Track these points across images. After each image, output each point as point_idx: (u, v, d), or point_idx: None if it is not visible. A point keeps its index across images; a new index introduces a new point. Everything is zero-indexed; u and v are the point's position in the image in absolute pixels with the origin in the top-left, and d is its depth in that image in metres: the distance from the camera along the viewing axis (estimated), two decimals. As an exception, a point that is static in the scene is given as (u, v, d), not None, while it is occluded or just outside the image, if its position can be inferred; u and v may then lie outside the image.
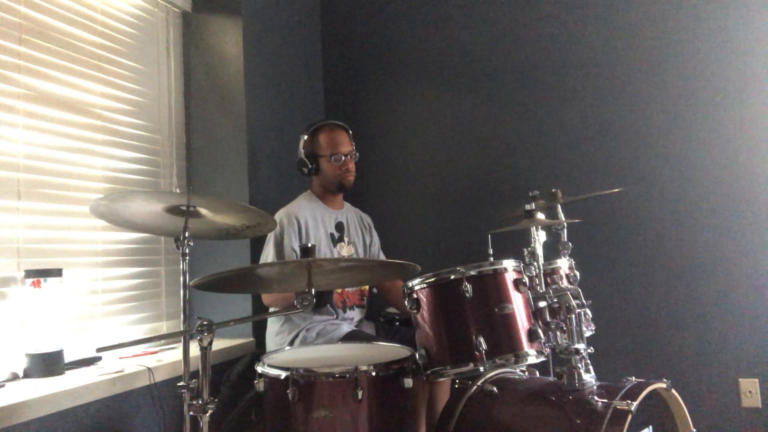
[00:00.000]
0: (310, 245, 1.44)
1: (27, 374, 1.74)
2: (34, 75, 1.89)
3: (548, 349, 1.72)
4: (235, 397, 2.14)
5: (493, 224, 2.04)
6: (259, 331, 2.43)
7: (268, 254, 2.22)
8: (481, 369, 1.63)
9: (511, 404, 1.70)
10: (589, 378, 1.63)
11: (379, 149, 2.48)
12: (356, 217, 2.54)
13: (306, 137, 2.37)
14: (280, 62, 2.92)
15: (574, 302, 1.66)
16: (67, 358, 1.83)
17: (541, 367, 1.86)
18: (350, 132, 2.41)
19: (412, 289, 1.74)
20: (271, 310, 2.26)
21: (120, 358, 2.02)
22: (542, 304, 1.74)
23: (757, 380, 2.57)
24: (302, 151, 2.37)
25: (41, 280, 1.75)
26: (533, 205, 1.91)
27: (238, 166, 2.55)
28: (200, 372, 1.38)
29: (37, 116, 1.89)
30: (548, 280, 2.00)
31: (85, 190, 2.05)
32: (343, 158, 2.33)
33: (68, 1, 2.04)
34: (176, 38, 2.58)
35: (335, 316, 2.30)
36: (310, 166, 2.35)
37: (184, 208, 1.54)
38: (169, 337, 1.76)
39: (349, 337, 2.16)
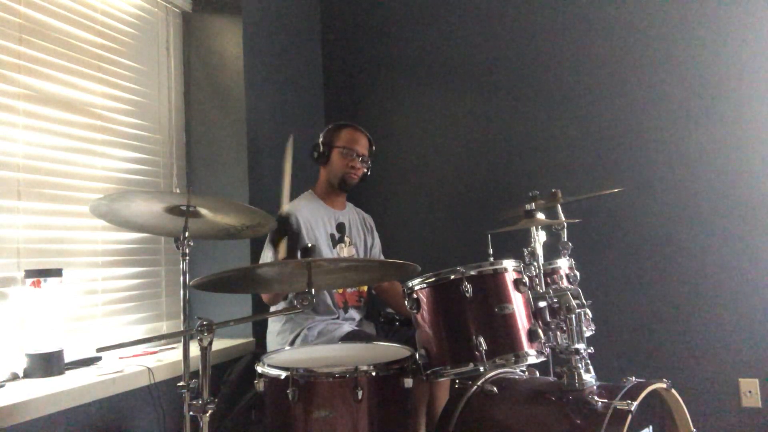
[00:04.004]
0: (310, 245, 1.44)
1: (27, 374, 1.73)
2: (34, 75, 1.89)
3: (548, 349, 1.72)
4: (235, 397, 2.14)
5: (493, 224, 2.04)
6: (259, 331, 2.43)
7: (267, 255, 2.22)
8: (481, 369, 1.63)
9: (511, 404, 1.70)
10: (589, 378, 1.63)
11: (379, 149, 2.49)
12: (358, 218, 2.54)
13: (330, 127, 2.43)
14: (280, 62, 2.92)
15: (574, 302, 1.66)
16: (67, 358, 1.82)
17: (541, 367, 1.85)
18: (372, 145, 2.48)
19: (412, 289, 1.74)
20: (272, 309, 2.26)
21: (120, 358, 2.02)
22: (542, 304, 1.74)
23: (757, 380, 2.57)
24: (321, 137, 2.41)
25: (41, 280, 1.75)
26: (533, 205, 1.91)
27: (238, 166, 2.55)
28: (200, 372, 1.38)
29: (37, 116, 1.89)
30: (548, 280, 1.99)
31: (85, 190, 2.05)
32: (354, 155, 2.36)
33: (68, 1, 2.04)
34: (176, 38, 2.58)
35: (337, 316, 2.30)
36: (321, 151, 2.37)
37: (184, 208, 1.53)
38: (169, 337, 1.76)
39: (349, 337, 2.16)
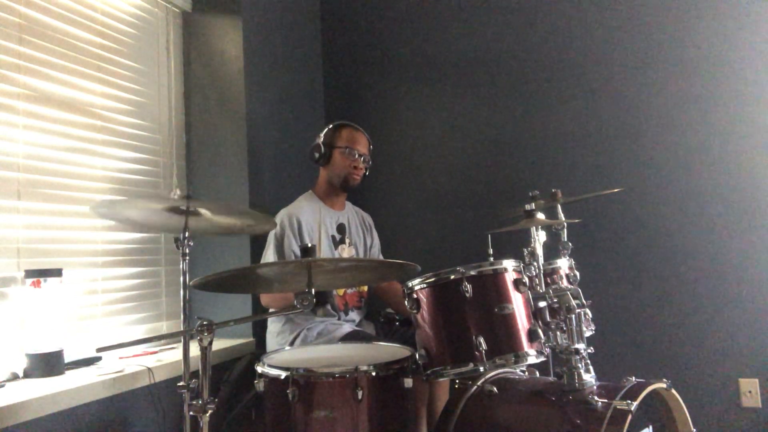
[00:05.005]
0: (310, 245, 1.44)
1: (27, 374, 1.73)
2: (34, 75, 1.89)
3: (548, 349, 1.72)
4: (235, 397, 2.14)
5: (493, 224, 2.04)
6: (259, 331, 2.43)
7: (269, 256, 2.22)
8: (481, 369, 1.63)
9: (511, 404, 1.71)
10: (589, 378, 1.63)
11: (379, 149, 2.49)
12: (358, 218, 2.54)
13: (330, 127, 2.42)
14: (280, 62, 2.92)
15: (574, 302, 1.66)
16: (67, 358, 1.82)
17: (541, 367, 1.85)
18: (371, 144, 2.47)
19: (412, 289, 1.74)
20: (271, 310, 2.26)
21: (120, 358, 2.02)
22: (542, 304, 1.74)
23: (757, 380, 2.57)
24: (321, 138, 2.40)
25: (41, 280, 1.75)
26: (533, 205, 1.91)
27: (238, 166, 2.54)
28: (200, 372, 1.38)
29: (37, 116, 1.89)
30: (548, 280, 1.99)
31: (85, 190, 2.05)
32: (356, 155, 2.35)
33: (68, 1, 2.04)
34: (176, 38, 2.58)
35: (337, 318, 2.30)
36: (322, 152, 2.36)
37: (184, 208, 1.53)
38: (169, 337, 1.76)
39: (349, 337, 2.16)
